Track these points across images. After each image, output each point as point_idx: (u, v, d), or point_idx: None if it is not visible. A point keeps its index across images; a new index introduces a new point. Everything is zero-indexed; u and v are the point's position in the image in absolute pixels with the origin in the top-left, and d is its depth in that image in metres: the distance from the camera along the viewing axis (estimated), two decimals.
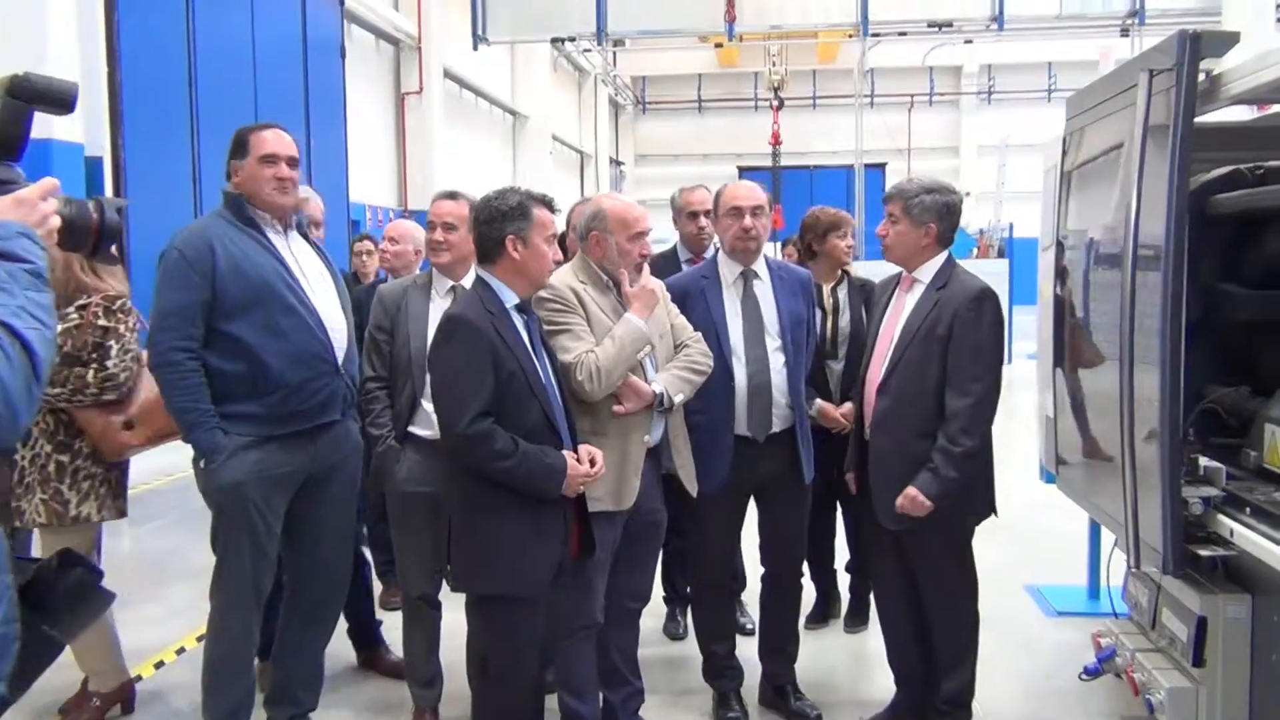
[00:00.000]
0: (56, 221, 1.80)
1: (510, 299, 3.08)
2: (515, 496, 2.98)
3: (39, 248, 1.73)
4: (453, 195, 3.86)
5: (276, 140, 3.46)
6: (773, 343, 3.76)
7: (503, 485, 2.96)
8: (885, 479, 3.58)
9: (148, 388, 3.67)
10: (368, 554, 4.78)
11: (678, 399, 3.43)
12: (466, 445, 2.94)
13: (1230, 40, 3.04)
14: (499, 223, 3.07)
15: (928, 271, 3.60)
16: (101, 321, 3.61)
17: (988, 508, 3.68)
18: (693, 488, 3.61)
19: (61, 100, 1.91)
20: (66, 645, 1.96)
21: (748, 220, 3.75)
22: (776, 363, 3.75)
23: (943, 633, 3.70)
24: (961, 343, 3.47)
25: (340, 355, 3.51)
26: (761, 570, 4.03)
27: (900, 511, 3.48)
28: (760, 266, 3.85)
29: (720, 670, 4.00)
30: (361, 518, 4.07)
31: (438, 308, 3.70)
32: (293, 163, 3.48)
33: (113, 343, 3.63)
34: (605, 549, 3.33)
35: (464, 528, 3.06)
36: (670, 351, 3.55)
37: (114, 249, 1.95)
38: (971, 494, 3.57)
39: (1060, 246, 4.18)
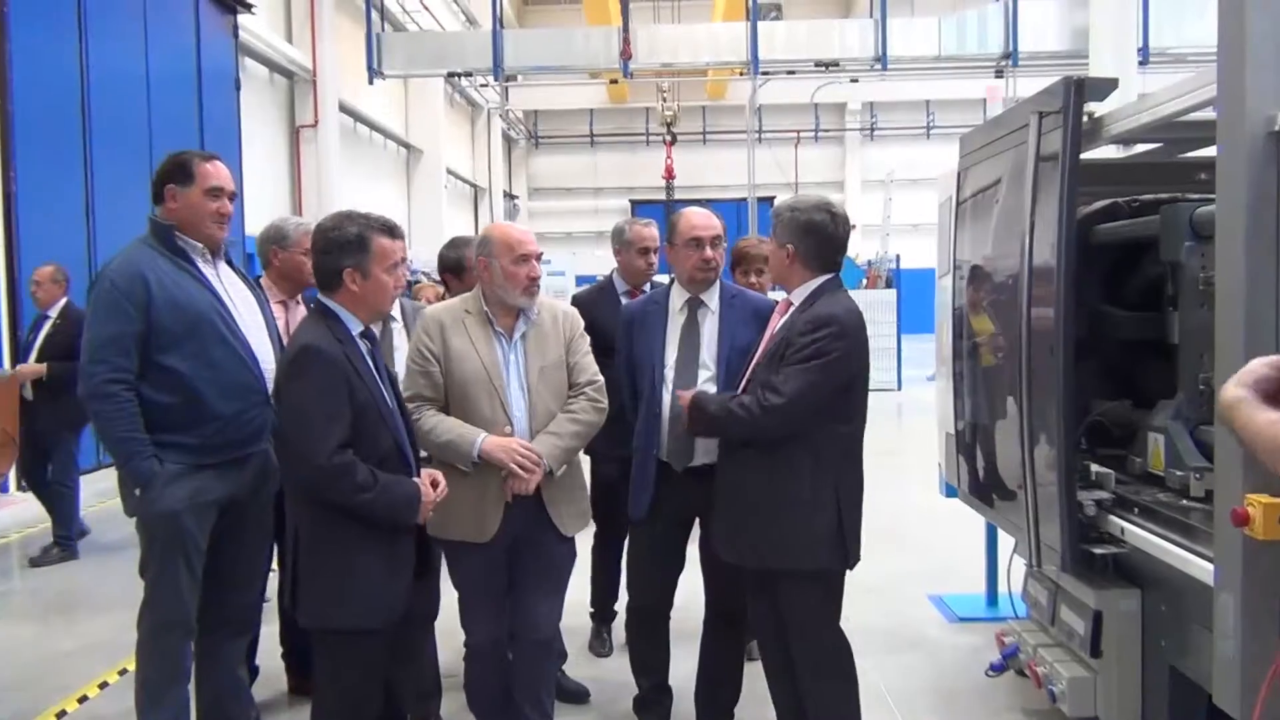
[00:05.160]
0: None
1: (355, 326, 3.02)
2: (368, 528, 2.92)
3: None
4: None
5: (223, 174, 3.54)
6: (705, 373, 3.68)
7: (357, 517, 2.89)
8: (723, 509, 3.48)
9: None
10: None
11: (559, 471, 3.43)
12: (327, 478, 2.85)
13: (1110, 86, 3.36)
14: (336, 255, 2.97)
15: (799, 295, 3.40)
16: None
17: (840, 559, 3.35)
18: (564, 527, 3.51)
19: None
20: None
21: (708, 251, 3.70)
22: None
23: (811, 700, 3.45)
24: (788, 359, 3.26)
25: (270, 384, 3.57)
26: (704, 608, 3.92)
27: (681, 404, 3.40)
28: (711, 295, 3.78)
29: (646, 702, 4.00)
30: None
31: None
32: (233, 198, 3.57)
33: None
34: (479, 575, 3.42)
35: (314, 561, 2.95)
36: (557, 386, 3.50)
37: None
38: (814, 540, 3.30)
39: (957, 273, 4.48)
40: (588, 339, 3.64)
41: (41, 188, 9.24)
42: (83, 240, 9.78)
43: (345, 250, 2.96)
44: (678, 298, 3.82)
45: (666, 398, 3.69)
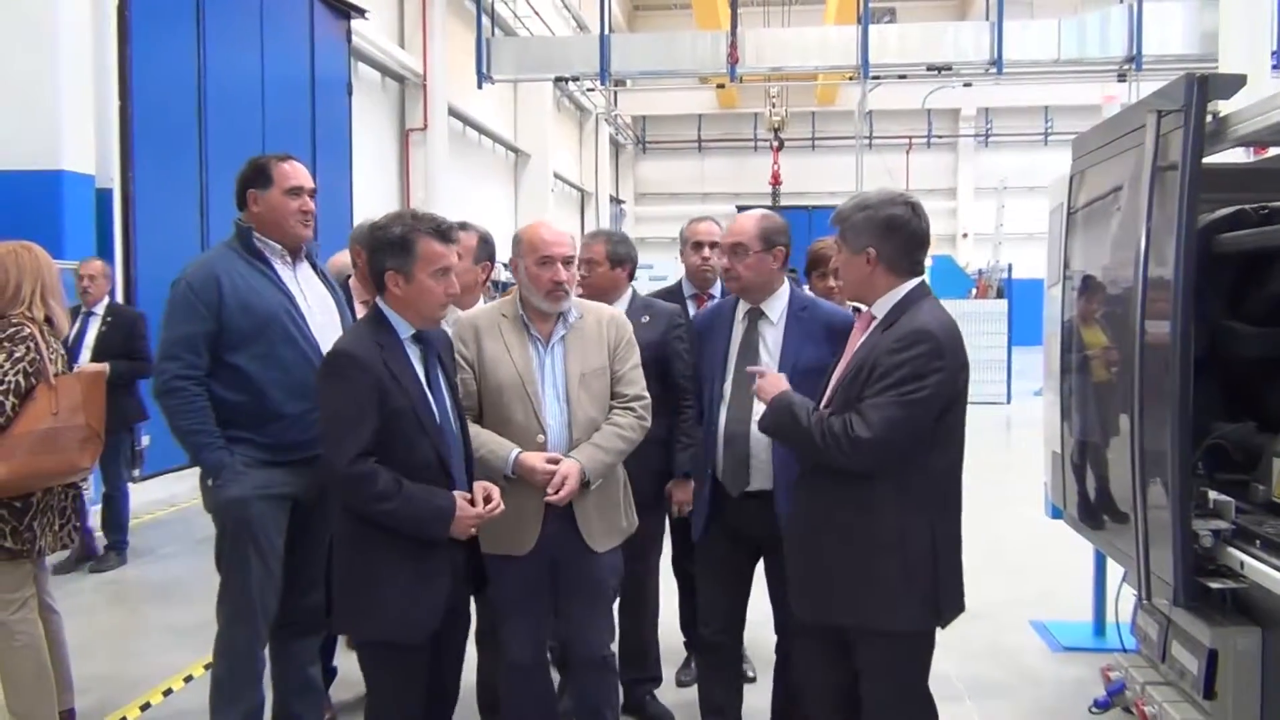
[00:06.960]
0: None
1: (405, 330, 2.92)
2: (398, 538, 2.84)
3: None
4: (463, 226, 3.90)
5: (300, 173, 3.55)
6: None
7: (385, 528, 2.82)
8: (793, 550, 3.03)
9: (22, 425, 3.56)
10: None
11: (596, 484, 3.28)
12: (347, 485, 2.80)
13: (1238, 83, 3.12)
14: (380, 255, 2.87)
15: (883, 306, 2.89)
16: None
17: (931, 617, 2.85)
18: (591, 541, 3.32)
19: None
20: None
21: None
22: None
23: None
24: (875, 377, 2.75)
25: None
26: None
27: (756, 375, 3.01)
28: (772, 305, 3.50)
29: None
30: None
31: None
32: (313, 195, 3.58)
33: None
34: (518, 590, 3.29)
35: (346, 569, 2.91)
36: (599, 393, 3.35)
37: None
38: (898, 594, 2.79)
39: (1067, 283, 4.24)
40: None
41: (158, 189, 9.50)
42: (196, 241, 10.01)
43: (388, 251, 2.87)
44: (741, 308, 3.57)
45: (723, 416, 3.48)
